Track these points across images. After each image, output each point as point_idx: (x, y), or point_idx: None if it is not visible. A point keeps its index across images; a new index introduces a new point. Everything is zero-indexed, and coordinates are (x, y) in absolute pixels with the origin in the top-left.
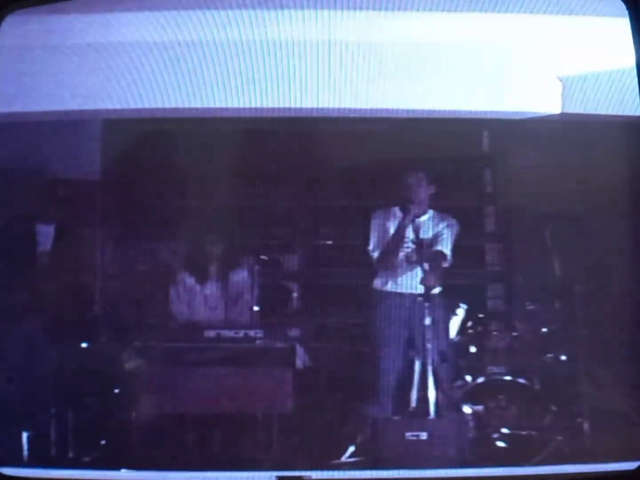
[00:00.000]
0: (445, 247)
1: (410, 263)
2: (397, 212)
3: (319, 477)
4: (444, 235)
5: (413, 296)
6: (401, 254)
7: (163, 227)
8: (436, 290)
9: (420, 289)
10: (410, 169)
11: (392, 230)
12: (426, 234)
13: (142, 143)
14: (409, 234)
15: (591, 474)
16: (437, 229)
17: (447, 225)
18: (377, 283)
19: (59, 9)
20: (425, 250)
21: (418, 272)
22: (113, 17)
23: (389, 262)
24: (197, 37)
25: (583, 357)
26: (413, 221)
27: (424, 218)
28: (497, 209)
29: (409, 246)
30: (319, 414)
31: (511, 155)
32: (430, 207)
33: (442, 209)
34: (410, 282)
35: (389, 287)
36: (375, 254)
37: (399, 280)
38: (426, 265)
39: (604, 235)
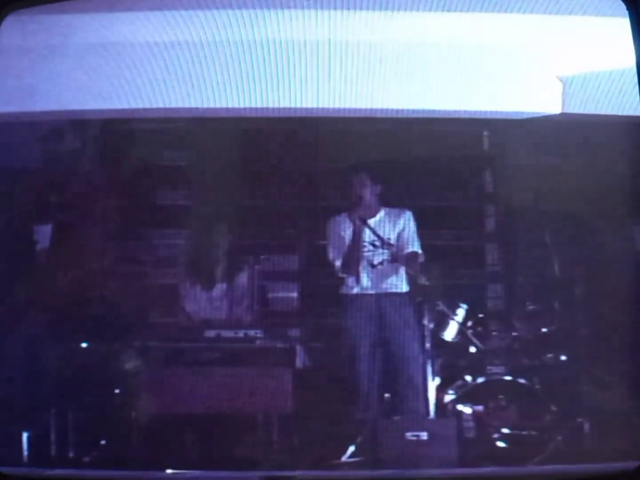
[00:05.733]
0: (415, 244)
1: (387, 263)
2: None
3: (318, 477)
4: (409, 232)
5: (395, 296)
6: (375, 255)
7: (163, 227)
8: (416, 288)
9: (402, 288)
10: (411, 168)
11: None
12: (391, 232)
13: (142, 143)
14: (374, 234)
15: (591, 474)
16: (399, 225)
17: (408, 220)
18: (358, 286)
19: (59, 9)
20: (397, 250)
21: (399, 272)
22: (113, 17)
23: (362, 265)
24: (197, 37)
25: (583, 357)
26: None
27: (378, 217)
28: (498, 209)
29: (382, 247)
30: (315, 414)
31: (511, 155)
32: (382, 205)
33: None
34: (394, 282)
35: (370, 289)
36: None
37: (381, 281)
38: (404, 267)
39: (604, 235)
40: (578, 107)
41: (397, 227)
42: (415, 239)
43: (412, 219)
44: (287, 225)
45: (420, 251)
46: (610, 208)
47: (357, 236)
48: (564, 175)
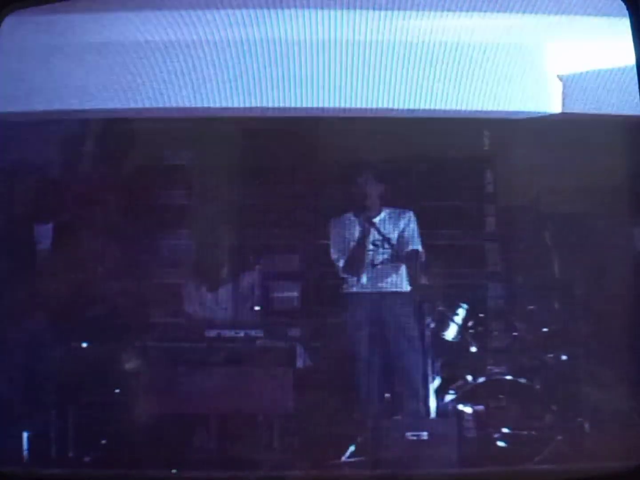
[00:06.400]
0: (417, 243)
1: (388, 262)
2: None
3: (318, 477)
4: (410, 231)
5: (396, 296)
6: (376, 255)
7: (162, 227)
8: (416, 288)
9: (402, 288)
10: (411, 168)
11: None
12: (392, 231)
13: (142, 143)
14: (378, 233)
15: (591, 474)
16: (400, 225)
17: (409, 220)
18: (361, 285)
19: (59, 9)
20: (398, 249)
21: (399, 272)
22: (113, 17)
23: (366, 264)
24: (197, 37)
25: (583, 357)
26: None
27: (379, 217)
28: (498, 209)
29: (383, 246)
30: (315, 414)
31: (511, 155)
32: (384, 205)
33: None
34: (395, 282)
35: (370, 289)
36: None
37: (382, 280)
38: (405, 266)
39: (604, 235)
40: (578, 107)
41: (399, 226)
42: (417, 238)
43: (413, 219)
44: (287, 225)
45: (421, 249)
46: (610, 208)
47: (362, 236)
48: (564, 174)
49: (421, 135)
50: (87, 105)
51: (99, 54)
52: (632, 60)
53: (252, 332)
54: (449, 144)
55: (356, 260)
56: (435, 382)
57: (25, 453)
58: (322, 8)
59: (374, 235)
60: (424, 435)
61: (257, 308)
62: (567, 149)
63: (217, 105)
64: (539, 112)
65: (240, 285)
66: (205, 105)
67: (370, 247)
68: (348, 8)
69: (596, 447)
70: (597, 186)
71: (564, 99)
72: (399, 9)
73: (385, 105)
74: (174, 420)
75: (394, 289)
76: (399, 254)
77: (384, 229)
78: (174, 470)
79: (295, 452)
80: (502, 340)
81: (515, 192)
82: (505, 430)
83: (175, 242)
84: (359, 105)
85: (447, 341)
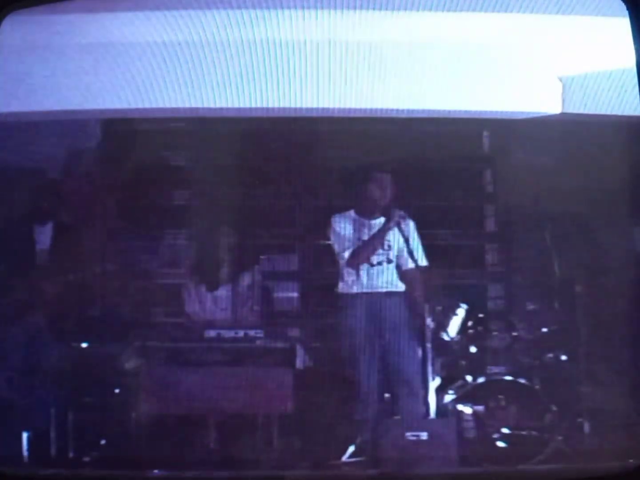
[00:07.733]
0: (417, 248)
1: (387, 263)
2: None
3: (318, 477)
4: (412, 235)
5: (395, 295)
6: (377, 255)
7: (162, 227)
8: (414, 288)
9: (402, 288)
10: (406, 168)
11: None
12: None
13: (142, 143)
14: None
15: (591, 474)
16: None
17: (412, 226)
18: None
19: (59, 9)
20: (399, 251)
21: (399, 272)
22: (113, 17)
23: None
24: (197, 37)
25: (583, 357)
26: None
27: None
28: (497, 209)
29: (384, 247)
30: (315, 414)
31: (511, 155)
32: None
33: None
34: (394, 281)
35: (370, 288)
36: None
37: (378, 280)
38: (405, 266)
39: (604, 235)
40: (578, 107)
41: (403, 229)
42: (418, 242)
43: (413, 226)
44: (287, 225)
45: (421, 252)
46: (610, 208)
47: (375, 235)
48: (564, 175)
49: (421, 136)
50: (87, 105)
51: (99, 54)
52: (632, 60)
53: (252, 332)
54: (449, 144)
55: (360, 256)
56: (435, 382)
57: (25, 453)
58: (321, 8)
59: (383, 235)
60: (424, 435)
61: (257, 308)
62: (567, 149)
63: (217, 105)
64: (539, 112)
65: (240, 285)
66: (205, 105)
67: (380, 247)
68: (348, 8)
69: (596, 447)
70: (597, 186)
71: (564, 99)
72: (399, 9)
73: (384, 106)
74: (174, 420)
75: (394, 289)
76: (399, 256)
77: (390, 230)
78: (173, 471)
79: (295, 452)
80: (502, 340)
81: (515, 192)
82: (505, 430)
83: (176, 242)
84: (358, 106)
85: (447, 341)
